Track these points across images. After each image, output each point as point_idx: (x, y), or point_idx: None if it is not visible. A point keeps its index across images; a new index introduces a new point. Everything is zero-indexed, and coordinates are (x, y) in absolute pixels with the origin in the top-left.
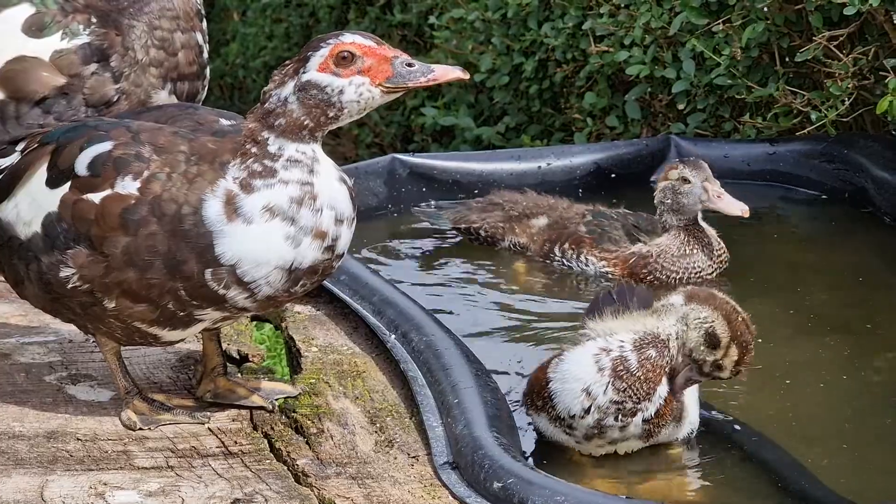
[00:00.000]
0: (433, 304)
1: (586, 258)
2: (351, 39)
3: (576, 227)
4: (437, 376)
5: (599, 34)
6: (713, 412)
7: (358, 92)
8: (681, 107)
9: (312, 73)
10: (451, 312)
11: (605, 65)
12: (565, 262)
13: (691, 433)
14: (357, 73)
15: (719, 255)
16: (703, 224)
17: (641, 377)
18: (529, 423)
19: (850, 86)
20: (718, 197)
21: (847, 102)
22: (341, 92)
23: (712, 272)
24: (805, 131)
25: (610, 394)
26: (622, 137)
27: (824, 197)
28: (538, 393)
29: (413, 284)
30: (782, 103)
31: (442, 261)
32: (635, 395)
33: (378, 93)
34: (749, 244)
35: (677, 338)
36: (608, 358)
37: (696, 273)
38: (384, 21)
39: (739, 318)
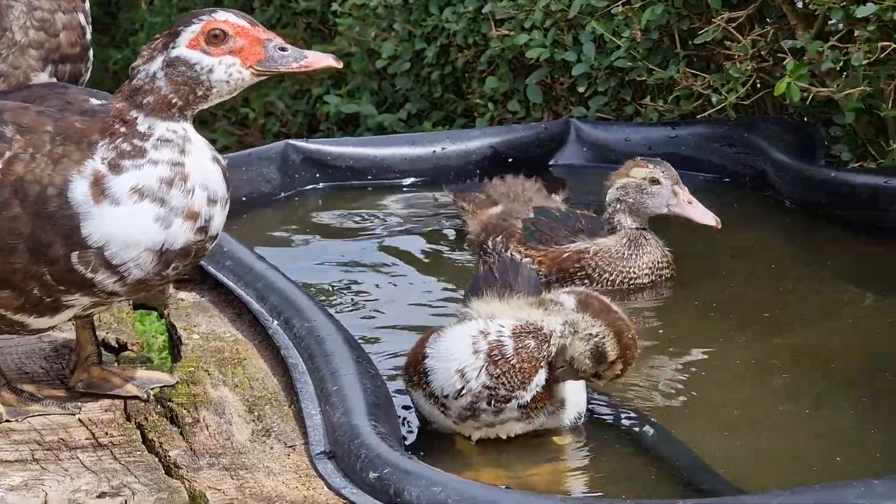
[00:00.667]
0: (321, 290)
1: (512, 254)
2: (224, 18)
3: (514, 220)
4: (317, 363)
5: (500, 18)
6: (603, 396)
7: (228, 72)
8: (581, 90)
9: (182, 50)
10: (338, 298)
11: (506, 49)
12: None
13: (578, 418)
14: (228, 52)
15: (660, 267)
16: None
17: (516, 365)
18: (409, 407)
19: (749, 68)
20: (689, 203)
21: (747, 85)
22: (210, 71)
23: (648, 281)
24: (706, 114)
25: (483, 378)
26: (524, 122)
27: (726, 180)
28: (415, 368)
29: (302, 270)
30: (683, 86)
31: (334, 247)
32: (509, 382)
33: (248, 75)
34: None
35: (560, 337)
36: (485, 341)
37: (630, 279)
38: (288, 9)
39: (630, 336)
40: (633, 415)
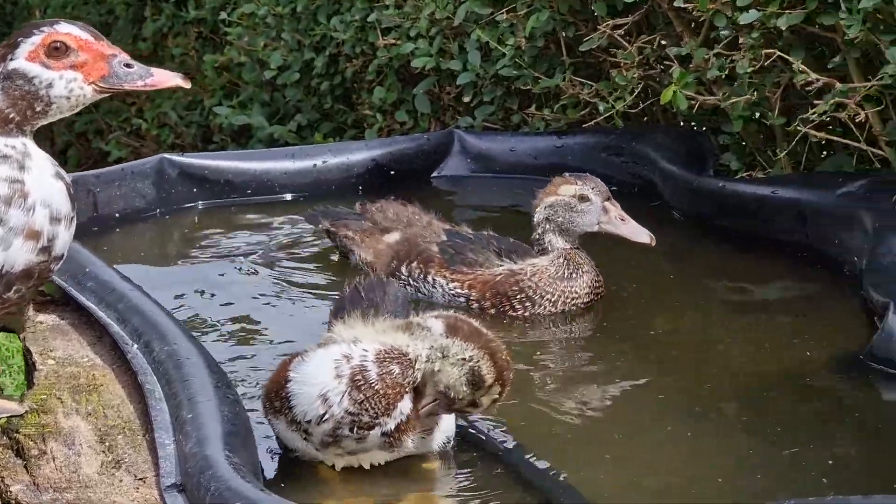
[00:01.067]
0: (190, 312)
1: (433, 279)
2: (67, 30)
3: (428, 245)
4: (174, 389)
5: (386, 27)
6: (475, 421)
7: (68, 88)
8: (466, 99)
9: (20, 62)
10: (208, 322)
11: (393, 58)
12: (411, 284)
13: (447, 443)
14: (69, 67)
15: (597, 286)
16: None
17: (380, 391)
18: (271, 436)
19: (635, 76)
20: (622, 220)
21: (634, 93)
22: (50, 85)
23: (589, 301)
24: (592, 123)
25: (345, 404)
26: (413, 132)
27: (613, 189)
28: (277, 393)
29: (172, 291)
30: (569, 94)
31: (209, 267)
32: (372, 409)
33: (90, 91)
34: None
35: (427, 362)
36: (348, 366)
37: (572, 299)
38: (179, 18)
39: (503, 357)
40: (504, 438)
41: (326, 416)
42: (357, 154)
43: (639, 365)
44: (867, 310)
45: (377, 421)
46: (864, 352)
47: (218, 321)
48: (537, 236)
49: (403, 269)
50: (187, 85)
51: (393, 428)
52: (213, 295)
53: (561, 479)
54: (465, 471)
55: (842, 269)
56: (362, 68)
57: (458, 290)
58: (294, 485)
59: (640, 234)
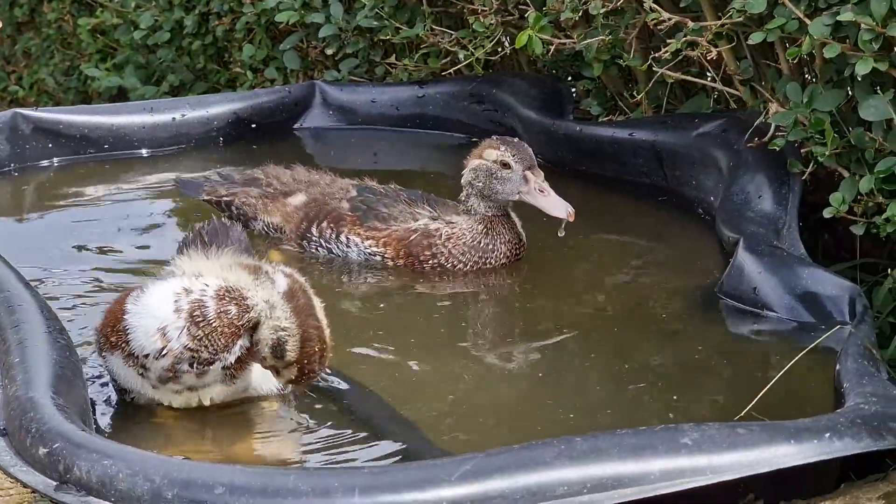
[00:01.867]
0: (35, 265)
1: (347, 238)
2: None
3: (337, 203)
4: (4, 334)
5: None
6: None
7: None
8: (329, 52)
9: None
10: (52, 275)
11: (260, 14)
12: (323, 245)
13: (286, 395)
14: None
15: (516, 252)
16: (512, 214)
17: (217, 329)
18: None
19: (493, 22)
20: (541, 192)
21: (493, 40)
22: None
23: (497, 263)
24: (452, 71)
25: (184, 339)
26: None
27: (475, 139)
28: (113, 326)
29: (20, 245)
30: (429, 43)
31: (60, 222)
32: (211, 345)
33: None
34: None
35: (259, 313)
36: (187, 300)
37: (483, 263)
38: None
39: (316, 347)
40: (347, 381)
41: (165, 351)
42: (217, 107)
43: (498, 304)
44: (721, 247)
45: (217, 357)
46: (716, 287)
47: (62, 275)
48: (463, 198)
49: (314, 230)
50: None
51: (233, 361)
52: (60, 249)
53: (412, 424)
54: (306, 413)
55: (697, 209)
56: (232, 26)
57: (374, 249)
58: (130, 429)
59: (557, 207)
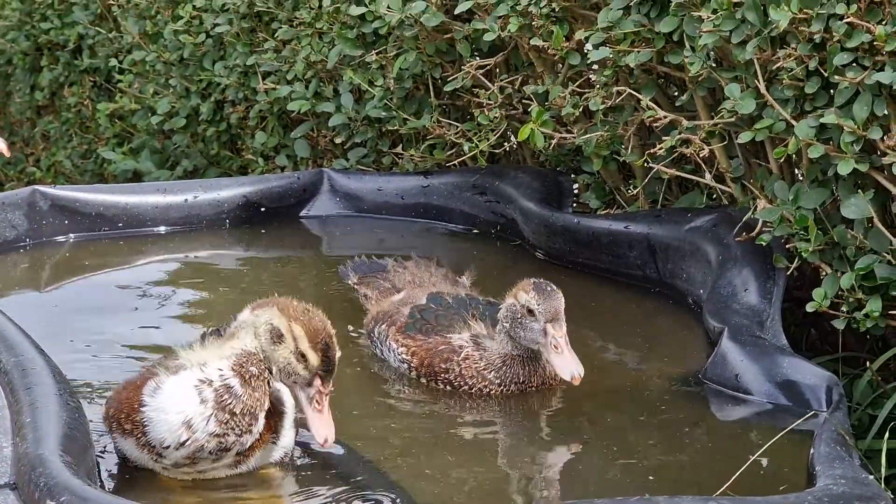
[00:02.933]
0: (49, 333)
1: (390, 343)
2: None
3: (404, 308)
4: (18, 396)
5: (266, 70)
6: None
7: None
8: (339, 140)
9: None
10: (64, 342)
11: (273, 103)
12: (378, 346)
13: (284, 457)
14: None
15: (525, 388)
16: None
17: (245, 403)
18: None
19: (497, 115)
20: (555, 348)
21: (497, 133)
22: None
23: (502, 395)
24: (456, 162)
25: (212, 426)
26: None
27: (475, 231)
28: (128, 416)
29: (34, 315)
30: (435, 134)
31: (74, 295)
32: (238, 425)
33: None
34: None
35: (263, 350)
36: (211, 389)
37: (488, 391)
38: (75, 66)
39: (323, 335)
40: (342, 448)
41: (188, 442)
42: (227, 190)
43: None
44: (708, 337)
45: (240, 440)
46: (700, 373)
47: (75, 342)
48: (497, 329)
49: (376, 330)
50: (7, 153)
51: (247, 447)
52: (73, 320)
53: (400, 488)
54: (302, 477)
55: (688, 300)
56: (245, 114)
57: (404, 356)
58: (133, 487)
59: (564, 369)
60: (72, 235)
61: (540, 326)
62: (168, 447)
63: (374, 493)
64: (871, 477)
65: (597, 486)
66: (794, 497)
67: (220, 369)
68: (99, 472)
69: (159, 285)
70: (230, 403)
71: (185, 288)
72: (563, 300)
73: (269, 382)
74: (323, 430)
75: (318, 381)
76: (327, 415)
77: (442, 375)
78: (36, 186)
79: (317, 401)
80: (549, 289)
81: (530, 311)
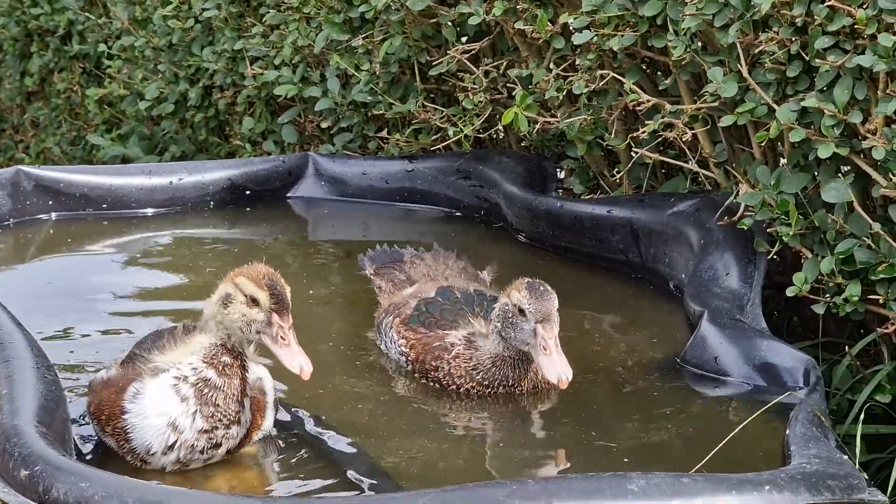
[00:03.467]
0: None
1: (392, 335)
2: None
3: (412, 301)
4: None
5: (254, 55)
6: (294, 410)
7: None
8: (325, 125)
9: None
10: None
11: (261, 88)
12: (383, 337)
13: (264, 437)
14: None
15: (513, 390)
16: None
17: (226, 392)
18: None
19: (482, 100)
20: (544, 349)
21: (482, 117)
22: None
23: (489, 395)
24: (441, 146)
25: (199, 423)
26: None
27: (458, 214)
28: (108, 420)
29: (15, 293)
30: (420, 119)
31: (55, 274)
32: (224, 415)
33: None
34: None
35: (225, 328)
36: (188, 384)
37: (476, 391)
38: (64, 52)
39: (247, 267)
40: (319, 424)
41: (177, 444)
42: (212, 173)
43: None
44: (688, 321)
45: (229, 431)
46: (680, 356)
47: (53, 320)
48: (490, 329)
49: (383, 323)
50: None
51: (236, 444)
52: (53, 298)
53: (374, 462)
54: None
55: (669, 284)
56: (233, 99)
57: (403, 349)
58: (112, 462)
59: (551, 370)
60: (54, 215)
61: (530, 327)
62: (154, 453)
63: (351, 470)
64: (846, 457)
65: (574, 466)
66: (767, 475)
67: (192, 363)
68: (75, 444)
69: (142, 265)
70: (211, 395)
71: (169, 267)
72: (555, 301)
73: (244, 368)
74: (295, 360)
75: (275, 318)
76: (295, 346)
77: (432, 373)
78: (20, 167)
79: (281, 336)
80: (541, 289)
81: (521, 311)
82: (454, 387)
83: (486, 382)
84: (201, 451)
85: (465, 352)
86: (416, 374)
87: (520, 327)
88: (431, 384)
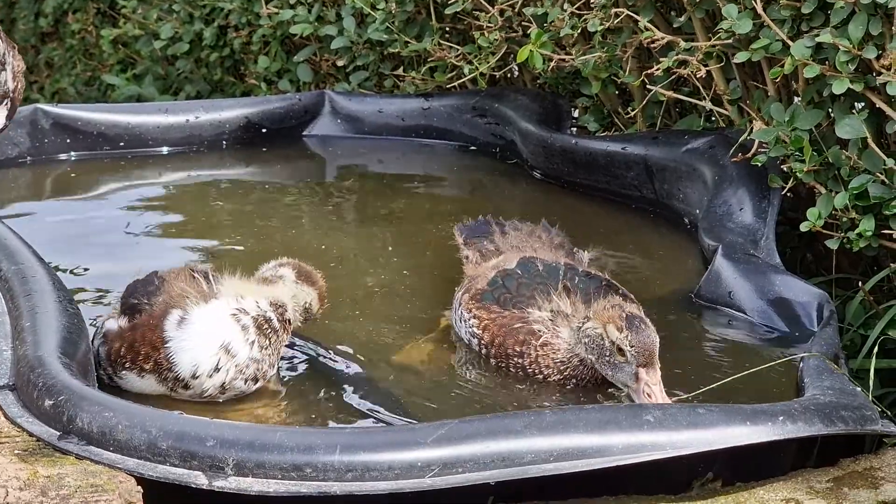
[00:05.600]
0: (48, 244)
1: (462, 312)
2: None
3: (489, 273)
4: (17, 302)
5: None
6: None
7: None
8: (340, 63)
9: None
10: (64, 254)
11: (276, 27)
12: (455, 311)
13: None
14: None
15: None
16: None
17: (280, 338)
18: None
19: (497, 38)
20: (648, 396)
21: (497, 55)
22: None
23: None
24: (456, 84)
25: (255, 351)
26: None
27: (472, 148)
28: (147, 355)
29: (35, 228)
30: (436, 57)
31: (75, 211)
32: (270, 355)
33: None
34: (398, 197)
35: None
36: (249, 317)
37: (565, 381)
38: None
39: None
40: (331, 355)
41: (225, 367)
42: (229, 111)
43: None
44: (703, 257)
45: (269, 372)
46: (695, 291)
47: (75, 256)
48: (574, 339)
49: (457, 295)
50: None
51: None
52: (74, 233)
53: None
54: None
55: (684, 220)
56: (249, 39)
57: (475, 330)
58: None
59: None
60: (73, 154)
61: (631, 370)
62: (199, 375)
63: (368, 402)
64: (859, 389)
65: (586, 394)
66: (781, 405)
67: (258, 303)
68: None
69: (160, 204)
70: (269, 333)
71: (185, 206)
72: (657, 338)
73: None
74: None
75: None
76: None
77: (515, 359)
78: (38, 105)
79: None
80: (643, 327)
81: (621, 351)
82: (539, 376)
83: (575, 376)
84: (245, 380)
85: (553, 341)
86: (492, 360)
87: (618, 367)
88: (513, 372)
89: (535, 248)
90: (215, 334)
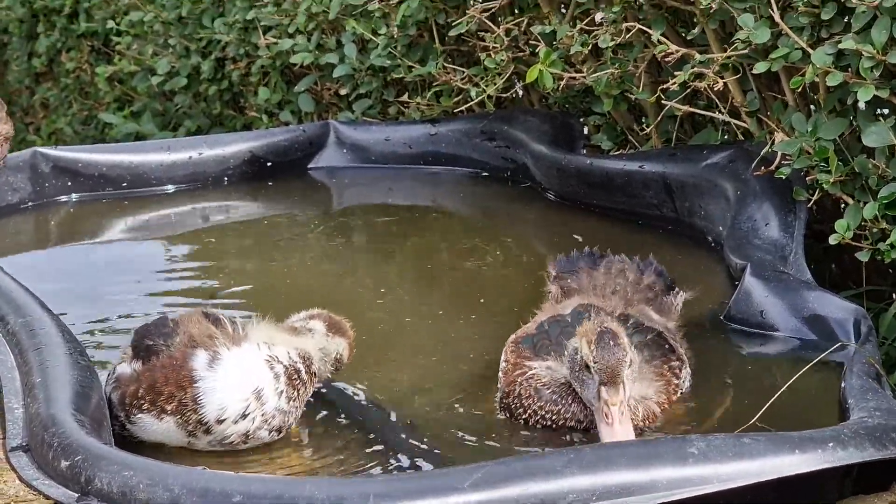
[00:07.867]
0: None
1: (504, 352)
2: None
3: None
4: (27, 357)
5: (267, 25)
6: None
7: None
8: (343, 92)
9: None
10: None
11: (275, 57)
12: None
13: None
14: None
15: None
16: (599, 424)
17: (306, 391)
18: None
19: (504, 58)
20: (605, 416)
21: (504, 77)
22: None
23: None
24: (464, 108)
25: (283, 402)
26: None
27: (484, 174)
28: (171, 395)
29: (40, 276)
30: (441, 81)
31: (79, 256)
32: (295, 409)
33: None
34: (410, 228)
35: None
36: (281, 366)
37: (545, 421)
38: (72, 31)
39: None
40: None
41: (253, 414)
42: (233, 146)
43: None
44: (729, 275)
45: (290, 421)
46: (724, 312)
47: (82, 303)
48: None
49: (511, 337)
50: None
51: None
52: (79, 279)
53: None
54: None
55: (707, 238)
56: (247, 70)
57: (500, 374)
58: (149, 448)
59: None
60: (74, 196)
61: (595, 386)
62: (224, 420)
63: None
64: None
65: None
66: (830, 431)
67: (289, 353)
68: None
69: (165, 245)
70: (298, 385)
71: (193, 245)
72: (627, 358)
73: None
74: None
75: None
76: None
77: (503, 400)
78: (37, 148)
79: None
80: (612, 343)
81: (586, 366)
82: (520, 410)
83: (557, 412)
84: (269, 430)
85: (538, 372)
86: (504, 412)
87: (585, 383)
88: (501, 408)
89: (614, 290)
90: (249, 378)
